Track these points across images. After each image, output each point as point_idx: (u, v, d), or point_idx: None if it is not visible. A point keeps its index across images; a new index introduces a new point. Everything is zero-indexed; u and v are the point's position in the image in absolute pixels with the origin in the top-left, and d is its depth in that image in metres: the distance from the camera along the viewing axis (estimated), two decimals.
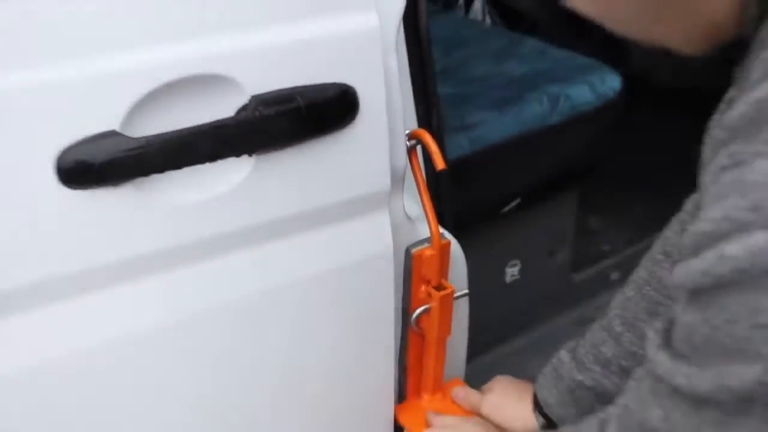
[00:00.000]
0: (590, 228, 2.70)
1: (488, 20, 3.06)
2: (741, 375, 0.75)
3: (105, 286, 1.12)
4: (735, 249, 0.73)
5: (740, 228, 0.73)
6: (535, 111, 2.05)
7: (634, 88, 2.28)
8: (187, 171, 1.12)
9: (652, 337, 0.89)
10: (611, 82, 2.18)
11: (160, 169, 1.09)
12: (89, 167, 1.04)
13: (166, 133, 1.09)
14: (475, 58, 2.32)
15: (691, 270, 0.78)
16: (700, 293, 0.78)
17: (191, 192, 1.14)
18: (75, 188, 1.04)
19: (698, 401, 0.81)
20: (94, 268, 1.10)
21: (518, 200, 2.14)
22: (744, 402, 0.76)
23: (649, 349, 0.88)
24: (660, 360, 0.86)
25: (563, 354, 1.43)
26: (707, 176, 0.79)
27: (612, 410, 0.99)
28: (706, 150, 0.82)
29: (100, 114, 1.05)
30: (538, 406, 1.42)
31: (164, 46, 1.08)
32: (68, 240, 1.07)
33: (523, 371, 2.22)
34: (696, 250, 0.78)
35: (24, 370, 1.09)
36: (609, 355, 1.34)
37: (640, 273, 1.35)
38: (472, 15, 3.06)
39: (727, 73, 0.93)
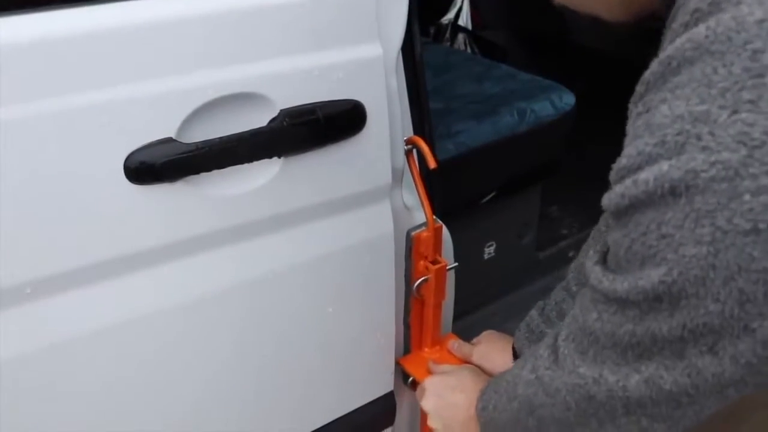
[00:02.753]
0: (551, 216, 2.70)
1: (469, 50, 3.06)
2: (650, 276, 0.77)
3: (160, 264, 1.12)
4: (645, 175, 0.75)
5: (649, 160, 0.75)
6: (507, 122, 2.05)
7: (586, 101, 2.29)
8: (228, 170, 1.11)
9: (591, 256, 0.90)
10: (567, 99, 2.18)
11: (208, 168, 1.09)
12: (150, 167, 1.04)
13: (213, 140, 1.09)
14: (459, 80, 2.32)
15: (614, 195, 0.80)
16: (620, 214, 0.80)
17: (232, 187, 1.13)
18: (139, 184, 1.04)
19: (621, 302, 0.82)
20: (153, 249, 1.10)
21: (494, 193, 2.15)
22: (655, 301, 0.78)
23: (587, 266, 0.90)
24: (595, 273, 0.87)
25: (533, 312, 1.43)
26: (628, 125, 0.82)
27: (564, 322, 1.00)
28: (630, 107, 0.84)
29: (160, 124, 1.05)
30: (515, 355, 1.42)
31: (211, 69, 1.08)
32: (132, 226, 1.07)
33: (498, 329, 2.24)
34: (618, 180, 0.80)
35: (91, 335, 1.09)
36: (568, 310, 1.34)
37: (588, 242, 1.36)
38: (456, 46, 3.07)
39: None
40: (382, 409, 1.52)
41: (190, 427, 1.25)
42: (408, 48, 1.35)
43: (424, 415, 1.62)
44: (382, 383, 1.50)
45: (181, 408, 1.23)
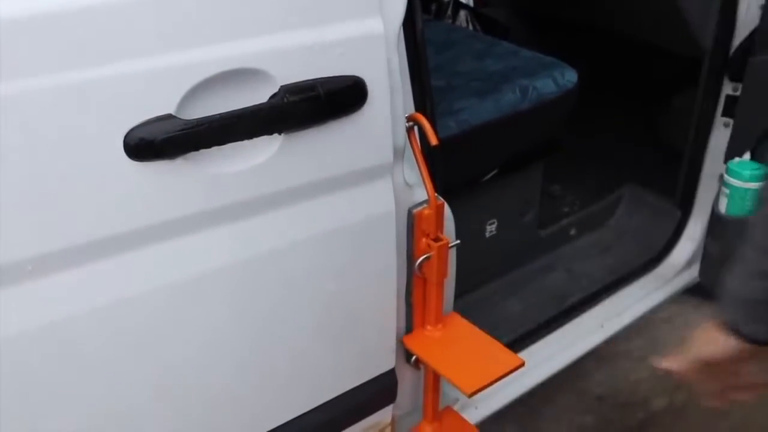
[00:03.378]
0: (553, 193, 2.69)
1: (470, 27, 3.04)
2: None
3: (161, 241, 1.11)
4: None
5: None
6: (509, 99, 2.03)
7: (587, 81, 2.27)
8: (229, 147, 1.11)
9: None
10: (569, 76, 2.16)
11: (208, 145, 1.09)
12: (150, 144, 1.03)
13: (213, 116, 1.08)
14: (461, 57, 2.30)
15: None
16: None
17: (232, 164, 1.13)
18: (139, 161, 1.04)
19: None
20: (153, 226, 1.09)
21: (495, 171, 2.14)
22: None
23: None
24: None
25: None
26: None
27: None
28: None
29: (159, 100, 1.04)
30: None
31: (211, 45, 1.07)
32: (132, 203, 1.06)
33: (499, 307, 2.24)
34: None
35: (91, 312, 1.08)
36: None
37: None
38: (458, 23, 3.04)
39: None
40: (384, 386, 1.52)
41: (190, 403, 1.25)
42: (409, 24, 1.34)
43: (426, 393, 1.63)
44: (384, 361, 1.50)
45: (184, 385, 1.23)
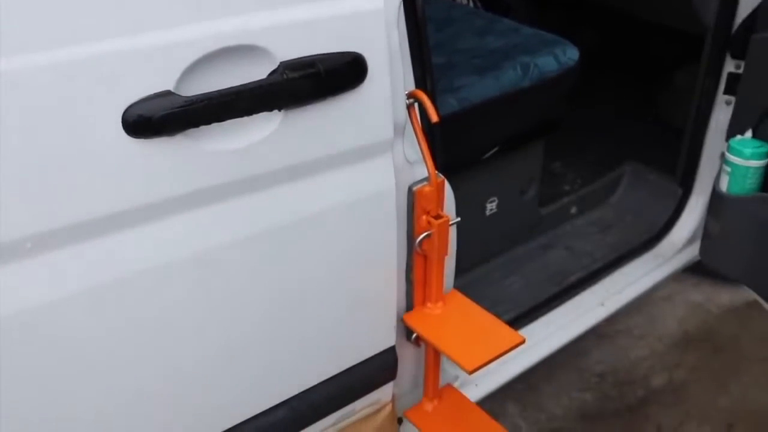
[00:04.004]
0: (554, 171, 2.69)
1: (471, 4, 3.02)
2: None
3: (160, 219, 1.11)
4: None
5: None
6: (510, 77, 2.02)
7: (588, 58, 2.26)
8: (228, 124, 1.10)
9: None
10: (571, 54, 2.15)
11: (207, 121, 1.08)
12: (149, 120, 1.03)
13: (212, 93, 1.07)
14: (461, 34, 2.29)
15: None
16: None
17: (232, 141, 1.12)
18: (138, 138, 1.03)
19: None
20: (151, 203, 1.09)
21: (496, 148, 2.13)
22: None
23: None
24: None
25: None
26: None
27: None
28: None
29: (158, 77, 1.03)
30: None
31: (210, 21, 1.06)
32: (132, 180, 1.06)
33: (499, 285, 2.24)
34: None
35: (91, 290, 1.08)
36: None
37: None
38: (458, 0, 3.03)
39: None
40: (385, 364, 1.52)
41: (190, 379, 1.25)
42: (409, 1, 1.33)
43: (426, 370, 1.63)
44: (384, 338, 1.50)
45: (187, 362, 1.23)
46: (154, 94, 1.03)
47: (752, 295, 2.11)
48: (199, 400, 1.28)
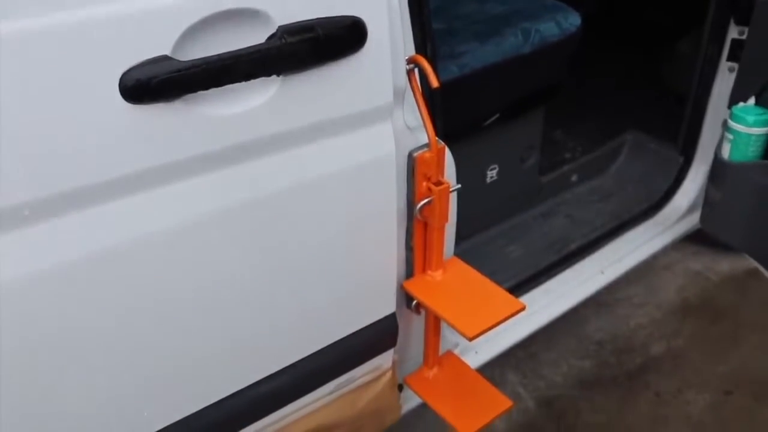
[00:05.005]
0: (554, 139, 2.68)
1: None
2: None
3: (159, 184, 1.10)
4: None
5: None
6: (511, 43, 2.01)
7: (590, 24, 2.25)
8: (226, 89, 1.09)
9: None
10: (573, 20, 2.14)
11: (205, 86, 1.07)
12: (146, 85, 1.01)
13: (209, 57, 1.06)
14: None
15: None
16: None
17: (230, 106, 1.11)
18: (135, 103, 1.02)
19: None
20: (151, 169, 1.08)
21: (497, 115, 2.12)
22: None
23: None
24: None
25: None
26: None
27: None
28: None
29: (155, 41, 1.02)
30: None
31: None
32: (130, 146, 1.05)
33: (500, 253, 2.24)
34: None
35: (90, 257, 1.07)
36: None
37: None
38: None
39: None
40: (385, 330, 1.52)
41: (187, 348, 1.25)
42: None
43: (426, 337, 1.63)
44: (384, 305, 1.50)
45: (182, 330, 1.23)
46: (152, 58, 1.01)
47: (752, 263, 2.11)
48: (195, 370, 1.28)
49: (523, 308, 1.51)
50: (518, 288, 2.06)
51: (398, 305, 1.54)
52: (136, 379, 1.20)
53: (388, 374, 1.60)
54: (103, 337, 1.14)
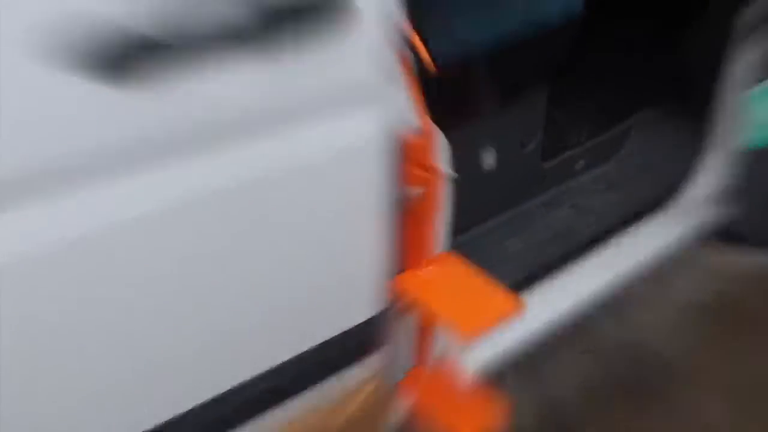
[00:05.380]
0: (558, 122, 2.68)
1: None
2: None
3: (131, 168, 1.08)
4: None
5: None
6: (512, 19, 2.02)
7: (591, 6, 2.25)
8: (199, 65, 1.06)
9: None
10: (576, 0, 2.15)
11: (177, 63, 1.03)
12: (113, 61, 0.99)
13: (183, 31, 1.03)
14: None
15: None
16: None
17: (202, 85, 1.08)
18: (99, 80, 0.99)
19: None
20: (119, 151, 1.06)
21: (496, 96, 2.12)
22: None
23: None
24: None
25: None
26: None
27: None
28: None
29: (125, 17, 0.99)
30: None
31: None
32: (92, 126, 1.02)
33: (498, 247, 2.25)
34: None
35: (58, 246, 1.05)
36: None
37: None
38: None
39: None
40: (373, 331, 1.52)
41: (162, 347, 1.25)
42: None
43: (418, 338, 1.64)
44: (372, 304, 1.49)
45: (151, 332, 1.23)
46: (120, 33, 0.98)
47: None
48: (169, 369, 1.27)
49: (523, 308, 1.51)
50: (519, 285, 2.07)
51: (387, 303, 1.54)
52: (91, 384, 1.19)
53: (376, 379, 1.60)
54: (59, 336, 1.12)
